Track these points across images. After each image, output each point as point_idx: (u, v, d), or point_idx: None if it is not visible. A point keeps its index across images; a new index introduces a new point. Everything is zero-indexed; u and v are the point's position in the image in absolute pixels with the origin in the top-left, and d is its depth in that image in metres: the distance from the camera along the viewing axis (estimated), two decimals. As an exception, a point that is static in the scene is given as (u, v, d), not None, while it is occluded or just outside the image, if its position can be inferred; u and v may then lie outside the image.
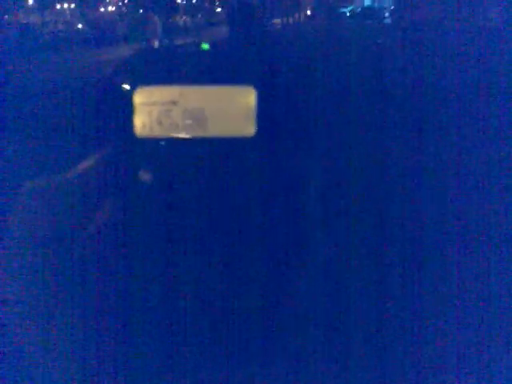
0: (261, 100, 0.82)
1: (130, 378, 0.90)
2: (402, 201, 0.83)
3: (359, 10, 1.27)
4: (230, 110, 0.83)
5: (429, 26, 1.12)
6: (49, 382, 0.91)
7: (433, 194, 0.84)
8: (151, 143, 0.87)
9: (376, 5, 1.29)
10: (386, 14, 1.25)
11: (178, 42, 0.91)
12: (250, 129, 0.83)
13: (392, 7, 1.25)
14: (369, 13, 1.27)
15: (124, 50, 0.92)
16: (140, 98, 0.85)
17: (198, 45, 0.86)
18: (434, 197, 0.84)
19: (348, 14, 1.23)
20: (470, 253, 0.85)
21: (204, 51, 0.88)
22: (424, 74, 0.94)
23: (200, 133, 0.84)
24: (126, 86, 0.87)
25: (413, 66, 0.95)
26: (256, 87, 0.82)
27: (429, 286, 0.87)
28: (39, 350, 0.92)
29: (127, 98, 0.85)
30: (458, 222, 0.86)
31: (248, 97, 0.83)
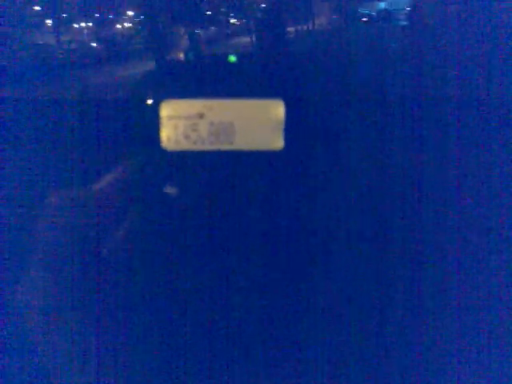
0: (289, 113, 0.81)
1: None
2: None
3: (375, 13, 1.25)
4: (258, 123, 0.82)
5: (446, 28, 1.11)
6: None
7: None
8: (178, 156, 0.86)
9: (391, 8, 1.27)
10: (402, 17, 1.23)
11: (204, 53, 0.90)
12: (278, 142, 0.82)
13: (408, 9, 1.24)
14: (385, 16, 1.26)
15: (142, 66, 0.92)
16: (166, 111, 0.84)
17: (226, 57, 0.85)
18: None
19: (365, 19, 1.22)
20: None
21: (231, 63, 0.87)
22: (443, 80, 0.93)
23: (227, 146, 0.83)
24: (152, 100, 0.86)
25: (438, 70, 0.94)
26: (285, 99, 0.81)
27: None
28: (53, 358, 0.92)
29: (153, 111, 0.85)
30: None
31: (276, 109, 0.82)
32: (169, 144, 0.85)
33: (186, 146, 0.84)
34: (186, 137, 0.84)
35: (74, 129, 0.87)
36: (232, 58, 0.85)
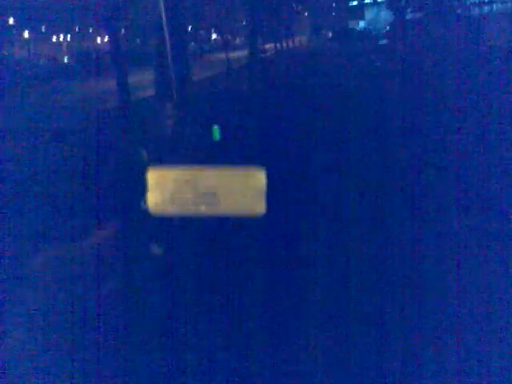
0: (271, 180, 0.85)
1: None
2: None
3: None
4: (241, 189, 0.86)
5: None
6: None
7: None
8: (164, 220, 0.89)
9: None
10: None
11: (190, 123, 0.95)
12: (260, 208, 0.85)
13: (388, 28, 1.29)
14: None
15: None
16: (153, 177, 0.89)
17: (211, 129, 0.90)
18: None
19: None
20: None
21: (215, 133, 0.92)
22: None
23: (212, 211, 0.87)
24: (141, 165, 0.90)
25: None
26: (266, 168, 0.85)
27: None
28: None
29: (142, 176, 0.89)
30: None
31: (258, 177, 0.86)
32: (156, 208, 0.88)
33: (172, 210, 0.88)
34: (172, 202, 0.88)
35: (61, 188, 0.90)
36: (215, 131, 0.90)
